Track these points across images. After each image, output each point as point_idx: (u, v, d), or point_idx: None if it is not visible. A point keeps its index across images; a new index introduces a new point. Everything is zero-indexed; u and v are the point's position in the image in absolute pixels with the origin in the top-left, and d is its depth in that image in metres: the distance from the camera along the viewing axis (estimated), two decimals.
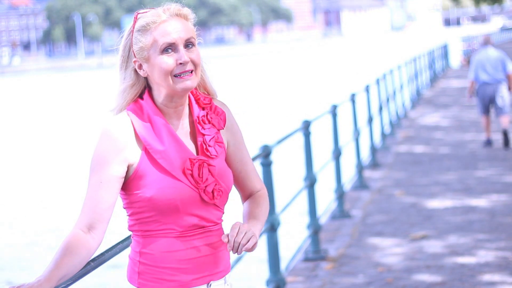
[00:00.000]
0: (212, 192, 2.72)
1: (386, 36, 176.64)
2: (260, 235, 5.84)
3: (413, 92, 23.04)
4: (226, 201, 2.78)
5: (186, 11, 2.74)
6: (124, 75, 2.76)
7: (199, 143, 2.76)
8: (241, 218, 2.96)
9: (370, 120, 12.99)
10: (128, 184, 2.70)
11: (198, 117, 2.78)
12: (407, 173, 11.73)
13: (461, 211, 8.96)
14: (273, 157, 6.27)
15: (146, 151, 2.69)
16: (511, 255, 7.07)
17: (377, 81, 14.60)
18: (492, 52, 13.35)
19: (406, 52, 54.07)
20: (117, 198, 2.70)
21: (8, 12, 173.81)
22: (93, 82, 68.41)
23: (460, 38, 46.61)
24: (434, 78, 30.33)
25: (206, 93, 2.86)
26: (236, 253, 2.69)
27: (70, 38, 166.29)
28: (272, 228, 6.17)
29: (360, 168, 11.07)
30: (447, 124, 17.29)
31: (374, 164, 12.52)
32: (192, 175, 2.69)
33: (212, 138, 2.77)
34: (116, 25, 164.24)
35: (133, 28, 2.73)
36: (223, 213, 2.82)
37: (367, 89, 12.72)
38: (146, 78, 2.76)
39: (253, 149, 6.55)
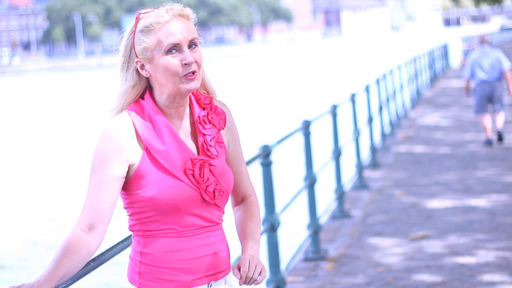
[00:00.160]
0: (213, 192, 2.72)
1: (386, 36, 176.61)
2: (260, 235, 5.85)
3: (413, 92, 23.04)
4: (227, 201, 2.79)
5: (188, 11, 2.74)
6: (125, 75, 2.75)
7: (199, 143, 2.76)
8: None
9: (370, 120, 13.00)
10: (129, 184, 2.70)
11: (199, 117, 2.78)
12: (407, 173, 11.74)
13: (461, 211, 8.96)
14: (273, 157, 6.27)
15: (147, 151, 2.69)
16: (511, 255, 7.07)
17: (377, 81, 14.60)
18: (488, 51, 13.48)
19: (405, 52, 54.06)
20: (118, 198, 2.70)
21: (8, 12, 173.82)
22: (93, 82, 68.41)
23: (460, 38, 46.62)
24: (434, 78, 30.34)
25: (206, 92, 2.86)
26: (246, 284, 2.73)
27: (70, 38, 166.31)
28: (272, 228, 6.17)
29: (360, 168, 11.07)
30: (447, 124, 17.29)
31: (374, 164, 12.52)
32: (193, 175, 2.70)
33: (212, 138, 2.77)
34: (116, 25, 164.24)
35: (135, 28, 2.72)
36: (224, 213, 2.83)
37: (367, 89, 12.72)
38: (147, 78, 2.76)
39: (253, 149, 6.56)
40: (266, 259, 6.27)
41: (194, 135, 2.78)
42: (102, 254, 2.87)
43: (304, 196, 9.41)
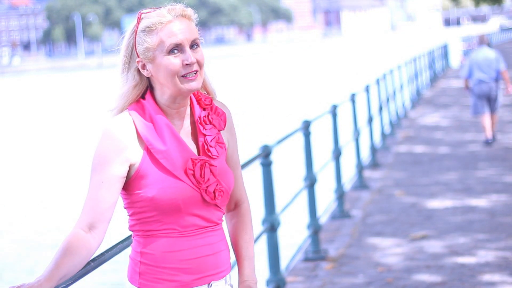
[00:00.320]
0: (214, 192, 2.72)
1: (386, 36, 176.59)
2: (260, 235, 5.86)
3: (413, 92, 23.04)
4: (227, 201, 2.79)
5: (190, 11, 2.74)
6: (126, 75, 2.75)
7: (200, 144, 2.76)
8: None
9: (370, 120, 13.00)
10: (130, 184, 2.70)
11: (199, 117, 2.78)
12: (407, 173, 11.74)
13: (461, 211, 8.96)
14: (273, 157, 6.27)
15: (148, 151, 2.69)
16: (511, 255, 7.07)
17: (377, 81, 14.61)
18: (487, 52, 13.74)
19: (405, 52, 54.06)
20: (118, 198, 2.70)
21: (8, 12, 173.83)
22: (93, 82, 68.41)
23: (460, 38, 46.62)
24: (434, 78, 30.34)
25: (206, 93, 2.86)
26: None
27: (70, 38, 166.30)
28: (272, 228, 6.17)
29: (360, 168, 11.07)
30: (447, 124, 17.29)
31: (374, 164, 12.53)
32: (194, 175, 2.70)
33: (213, 138, 2.77)
34: (116, 25, 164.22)
35: (137, 28, 2.72)
36: (224, 214, 2.83)
37: (367, 89, 12.73)
38: (148, 78, 2.76)
39: (253, 149, 6.57)
40: (266, 259, 6.28)
41: (195, 135, 2.78)
42: (102, 254, 2.87)
43: (304, 196, 9.42)
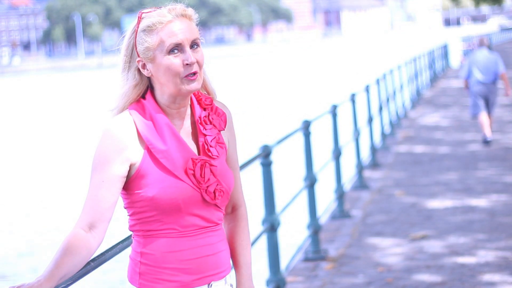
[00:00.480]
0: (214, 192, 2.72)
1: (385, 36, 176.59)
2: (260, 235, 5.85)
3: (413, 92, 23.04)
4: (227, 201, 2.79)
5: (191, 11, 2.74)
6: (127, 75, 2.75)
7: (200, 144, 2.76)
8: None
9: (370, 120, 13.00)
10: (130, 184, 2.70)
11: (199, 117, 2.78)
12: (407, 173, 11.74)
13: (461, 211, 8.96)
14: (273, 157, 6.27)
15: (148, 150, 2.70)
16: (511, 255, 7.07)
17: (377, 81, 14.61)
18: (486, 53, 13.92)
19: (406, 52, 54.06)
20: (119, 198, 2.70)
21: (8, 12, 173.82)
22: (93, 82, 68.41)
23: (460, 38, 46.62)
24: (434, 78, 30.34)
25: (206, 93, 2.86)
26: None
27: (70, 38, 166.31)
28: (272, 228, 6.17)
29: (360, 168, 11.07)
30: (447, 124, 17.29)
31: (374, 164, 12.53)
32: (194, 175, 2.70)
33: (213, 138, 2.77)
34: (116, 25, 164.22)
35: (137, 27, 2.72)
36: (224, 214, 2.83)
37: (367, 89, 12.73)
38: (149, 78, 2.76)
39: (253, 149, 6.57)
40: (266, 259, 6.28)
41: (195, 135, 2.78)
42: (102, 254, 2.87)
43: (304, 196, 9.42)
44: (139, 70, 2.74)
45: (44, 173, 20.38)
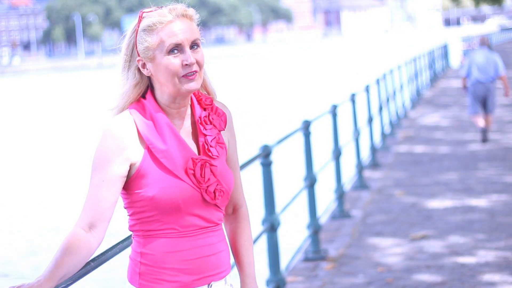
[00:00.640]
0: (214, 192, 2.72)
1: (385, 36, 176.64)
2: (260, 235, 5.85)
3: (413, 92, 23.04)
4: (227, 201, 2.79)
5: (192, 11, 2.74)
6: (127, 74, 2.76)
7: (200, 144, 2.76)
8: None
9: (370, 120, 13.00)
10: (130, 183, 2.70)
11: (200, 117, 2.78)
12: (407, 173, 11.74)
13: (461, 211, 8.96)
14: (273, 157, 6.27)
15: (149, 150, 2.70)
16: (511, 255, 7.07)
17: (377, 81, 14.61)
18: (486, 53, 14.04)
19: (406, 52, 54.06)
20: (119, 198, 2.70)
21: (8, 12, 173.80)
22: (93, 82, 68.41)
23: (460, 38, 46.62)
24: (434, 78, 30.34)
25: (206, 93, 2.86)
26: None
27: (70, 38, 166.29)
28: (272, 228, 6.18)
29: (360, 168, 11.07)
30: (447, 124, 17.29)
31: (374, 164, 12.53)
32: (194, 175, 2.70)
33: (213, 138, 2.77)
34: (116, 25, 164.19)
35: (138, 27, 2.72)
36: (224, 214, 2.83)
37: (367, 89, 12.73)
38: (149, 78, 2.76)
39: (253, 149, 6.56)
40: (266, 259, 6.28)
41: (195, 135, 2.78)
42: (102, 254, 2.87)
43: (304, 196, 9.41)
44: (139, 69, 2.74)
45: (44, 173, 20.37)
